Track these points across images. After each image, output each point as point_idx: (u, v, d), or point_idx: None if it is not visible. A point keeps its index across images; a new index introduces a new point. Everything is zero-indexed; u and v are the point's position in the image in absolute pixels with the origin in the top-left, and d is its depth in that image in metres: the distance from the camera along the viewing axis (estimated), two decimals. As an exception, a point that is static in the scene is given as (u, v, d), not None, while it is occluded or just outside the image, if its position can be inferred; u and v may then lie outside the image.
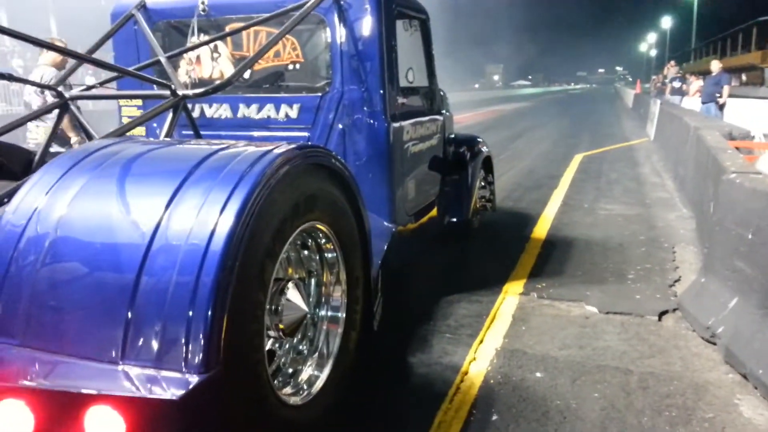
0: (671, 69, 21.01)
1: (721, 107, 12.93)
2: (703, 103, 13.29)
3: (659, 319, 3.87)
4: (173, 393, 1.76)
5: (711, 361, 3.31)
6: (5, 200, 2.30)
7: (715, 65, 13.37)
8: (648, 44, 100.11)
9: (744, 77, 49.42)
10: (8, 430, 1.77)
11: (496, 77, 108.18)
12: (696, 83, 15.67)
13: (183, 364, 1.83)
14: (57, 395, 1.79)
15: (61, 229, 2.05)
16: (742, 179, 3.58)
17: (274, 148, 2.31)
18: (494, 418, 2.78)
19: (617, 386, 3.04)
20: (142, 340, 1.86)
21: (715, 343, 3.44)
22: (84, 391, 1.78)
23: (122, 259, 1.95)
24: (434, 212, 5.02)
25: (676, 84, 17.88)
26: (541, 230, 6.11)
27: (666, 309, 4.00)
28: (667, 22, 77.04)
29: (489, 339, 3.60)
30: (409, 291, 4.41)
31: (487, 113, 30.12)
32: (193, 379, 1.80)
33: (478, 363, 3.30)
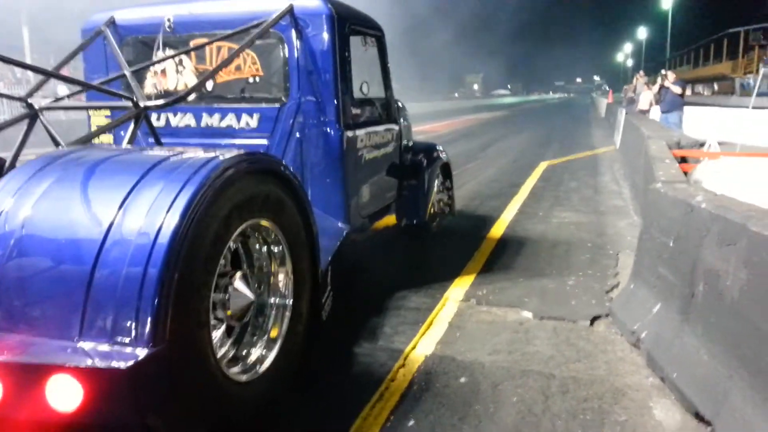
0: (640, 79, 21.27)
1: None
2: (663, 112, 13.53)
3: (591, 325, 3.94)
4: (124, 363, 2.04)
5: (634, 365, 3.38)
6: None
7: (670, 76, 13.63)
8: (624, 54, 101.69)
9: (716, 87, 50.40)
10: None
11: (475, 86, 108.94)
12: (647, 93, 15.89)
13: (133, 339, 2.11)
14: (22, 366, 2.08)
15: (26, 227, 2.31)
16: (666, 188, 3.67)
17: (220, 155, 2.60)
18: (410, 423, 2.82)
19: (537, 390, 3.10)
20: (97, 320, 2.14)
21: (639, 348, 3.51)
22: (46, 362, 2.06)
23: (80, 253, 2.22)
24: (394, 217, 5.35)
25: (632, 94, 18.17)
26: (492, 238, 6.18)
27: (599, 314, 4.08)
28: (643, 32, 78.39)
29: (421, 346, 3.64)
30: (353, 294, 4.43)
31: (463, 122, 30.35)
32: (142, 352, 2.08)
33: (405, 369, 3.34)
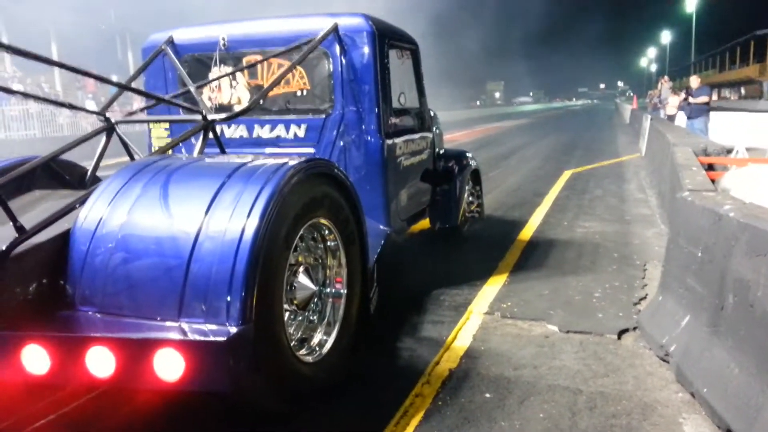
0: (665, 84, 21.04)
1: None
2: (689, 118, 13.35)
3: (619, 338, 3.88)
4: (221, 337, 2.38)
5: (663, 380, 3.31)
6: (77, 205, 2.87)
7: (695, 81, 13.44)
8: (648, 59, 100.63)
9: (743, 91, 49.56)
10: (98, 370, 2.32)
11: (497, 94, 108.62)
12: (674, 99, 15.71)
13: (225, 319, 2.46)
14: (132, 342, 2.39)
15: (126, 225, 2.68)
16: (694, 197, 3.61)
17: (288, 161, 2.95)
18: (435, 439, 2.79)
19: (564, 406, 3.05)
20: (194, 304, 2.49)
21: (668, 362, 3.44)
22: (154, 338, 2.38)
23: (177, 249, 2.56)
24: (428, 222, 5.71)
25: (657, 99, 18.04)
26: (516, 249, 6.12)
27: (627, 327, 4.01)
28: (666, 37, 77.55)
29: (445, 360, 3.61)
30: (383, 299, 4.40)
31: (485, 130, 30.28)
32: (233, 329, 2.43)
33: (431, 384, 3.31)
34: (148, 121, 4.86)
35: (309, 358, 3.07)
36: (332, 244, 3.38)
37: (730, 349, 2.92)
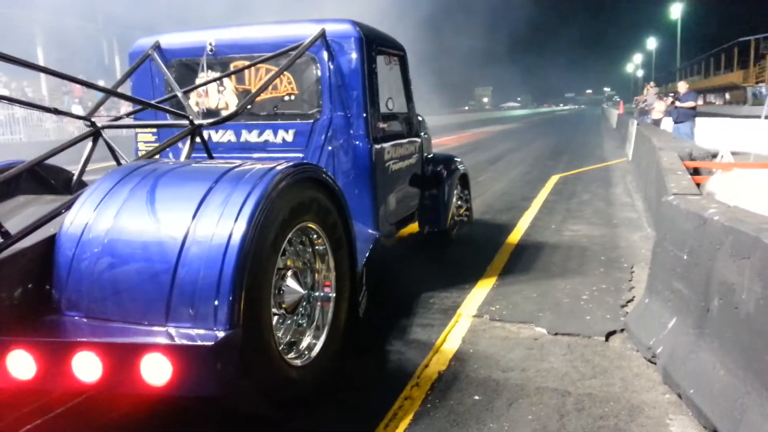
0: (650, 90, 21.22)
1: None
2: (675, 123, 13.48)
3: (606, 340, 3.90)
4: (207, 342, 2.37)
5: (650, 381, 3.34)
6: (63, 210, 2.85)
7: (682, 86, 13.60)
8: (634, 65, 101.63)
9: (728, 96, 50.13)
10: (84, 374, 2.31)
11: (485, 99, 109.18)
12: (660, 104, 15.88)
13: (212, 323, 2.44)
14: (119, 347, 2.38)
15: (113, 230, 2.66)
16: (679, 201, 3.64)
17: (276, 166, 2.94)
18: (424, 442, 2.79)
19: (552, 408, 3.06)
20: (181, 309, 2.47)
21: (655, 364, 3.47)
22: (141, 342, 2.38)
23: (164, 254, 2.55)
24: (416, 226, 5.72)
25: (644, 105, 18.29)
26: (504, 253, 6.15)
27: (614, 330, 4.03)
28: (652, 43, 78.35)
29: (434, 363, 3.62)
30: (370, 308, 4.41)
31: (473, 135, 30.39)
32: (221, 334, 2.42)
33: (420, 387, 3.32)
34: (134, 126, 4.83)
35: (298, 362, 3.07)
36: (320, 248, 3.38)
37: (716, 351, 2.95)
